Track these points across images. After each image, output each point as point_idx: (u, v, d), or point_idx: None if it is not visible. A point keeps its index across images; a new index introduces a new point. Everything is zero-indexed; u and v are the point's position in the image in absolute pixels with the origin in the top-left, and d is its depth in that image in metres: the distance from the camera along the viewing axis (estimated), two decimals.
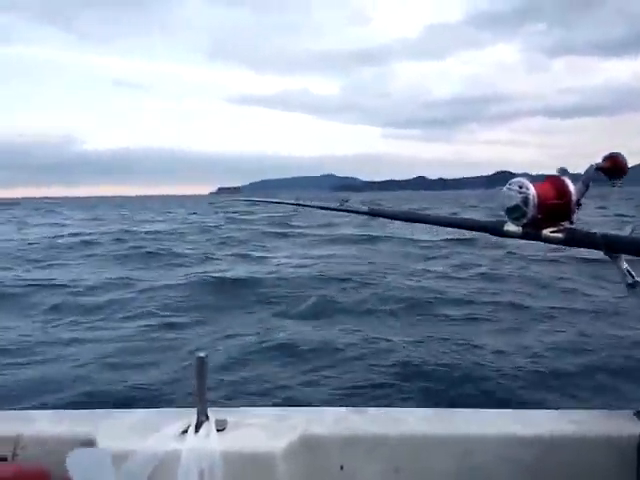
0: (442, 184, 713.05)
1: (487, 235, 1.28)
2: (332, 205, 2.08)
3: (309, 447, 1.30)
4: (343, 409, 1.44)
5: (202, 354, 1.28)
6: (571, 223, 1.09)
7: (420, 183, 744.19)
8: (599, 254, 1.09)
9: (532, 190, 1.05)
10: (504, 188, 1.12)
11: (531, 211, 1.06)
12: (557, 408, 1.44)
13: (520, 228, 1.12)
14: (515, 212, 1.09)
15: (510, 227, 1.14)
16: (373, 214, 1.82)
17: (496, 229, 1.20)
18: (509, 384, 4.44)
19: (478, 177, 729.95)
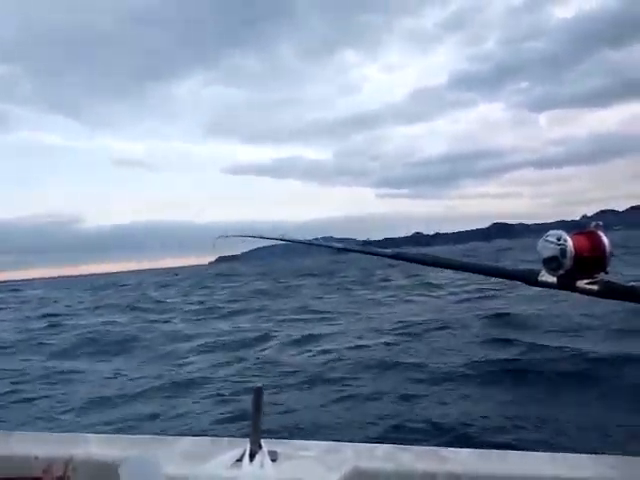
0: (439, 239, 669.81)
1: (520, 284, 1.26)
2: (356, 247, 2.06)
3: None
4: (391, 446, 1.44)
5: (259, 385, 1.32)
6: (606, 274, 1.09)
7: (417, 239, 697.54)
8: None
9: (570, 242, 1.08)
10: (542, 239, 1.13)
11: (568, 263, 1.08)
12: (601, 453, 1.40)
13: (555, 279, 1.13)
14: (552, 263, 1.11)
15: (545, 277, 1.15)
16: (398, 258, 1.75)
17: (531, 278, 1.19)
18: (551, 427, 4.50)
19: (475, 230, 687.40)
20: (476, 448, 1.44)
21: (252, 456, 1.29)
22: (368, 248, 1.94)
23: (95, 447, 1.41)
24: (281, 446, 1.38)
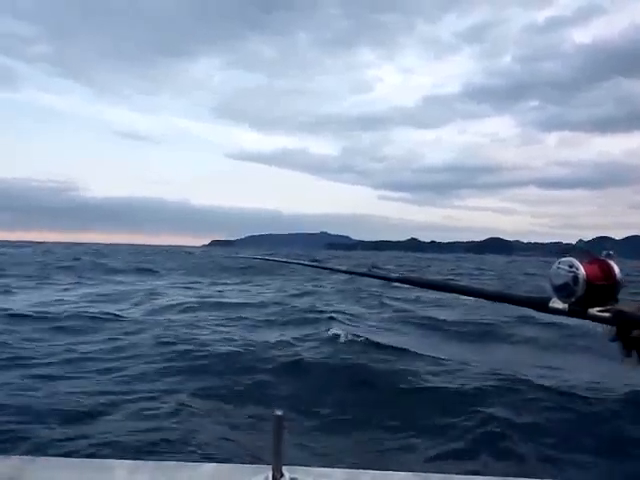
0: (434, 247, 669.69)
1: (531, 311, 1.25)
2: (360, 270, 2.03)
3: None
4: (409, 473, 1.46)
5: (279, 412, 1.32)
6: (616, 303, 1.08)
7: (413, 245, 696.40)
8: None
9: (582, 270, 1.07)
10: (554, 266, 1.12)
11: (580, 290, 1.07)
12: None
13: (567, 305, 1.11)
14: (563, 290, 1.10)
15: (556, 304, 1.13)
16: (404, 282, 1.66)
17: (541, 305, 1.16)
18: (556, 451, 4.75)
19: (470, 242, 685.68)
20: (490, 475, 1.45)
21: None
22: (373, 272, 1.91)
23: (122, 473, 1.43)
24: (302, 473, 1.41)
